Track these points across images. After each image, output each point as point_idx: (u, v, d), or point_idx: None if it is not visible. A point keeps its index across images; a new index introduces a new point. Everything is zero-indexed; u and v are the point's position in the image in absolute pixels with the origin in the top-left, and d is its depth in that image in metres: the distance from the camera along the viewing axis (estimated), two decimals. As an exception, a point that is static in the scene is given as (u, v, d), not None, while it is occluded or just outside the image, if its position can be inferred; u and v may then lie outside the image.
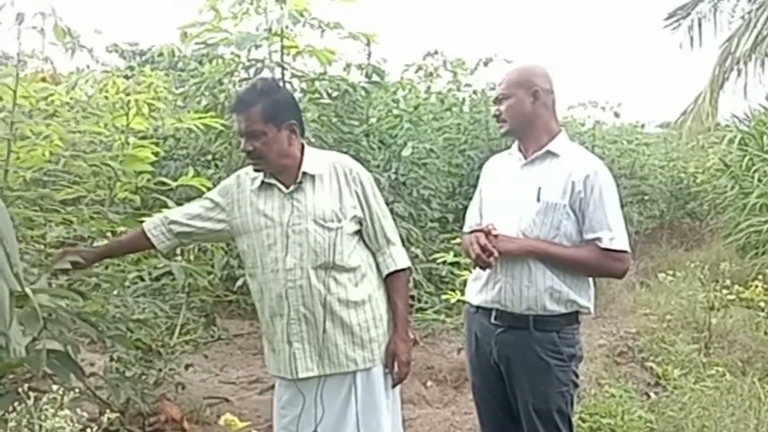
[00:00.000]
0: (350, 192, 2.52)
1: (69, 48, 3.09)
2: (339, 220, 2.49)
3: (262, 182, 2.53)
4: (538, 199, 2.59)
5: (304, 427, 2.54)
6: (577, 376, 2.69)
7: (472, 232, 2.61)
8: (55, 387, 1.80)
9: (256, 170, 2.52)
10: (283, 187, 2.51)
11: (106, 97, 3.10)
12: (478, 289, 2.74)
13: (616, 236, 2.57)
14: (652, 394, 4.69)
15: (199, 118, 3.51)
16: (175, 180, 3.36)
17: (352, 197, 2.52)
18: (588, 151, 2.82)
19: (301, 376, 2.50)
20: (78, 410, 1.88)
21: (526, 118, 2.67)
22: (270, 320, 2.53)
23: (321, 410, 2.53)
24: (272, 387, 4.93)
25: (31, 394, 1.78)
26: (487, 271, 2.63)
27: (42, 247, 2.77)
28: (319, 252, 2.46)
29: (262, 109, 2.43)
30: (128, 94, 3.05)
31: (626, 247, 2.59)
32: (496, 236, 2.52)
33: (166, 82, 4.03)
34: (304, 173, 2.51)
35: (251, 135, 2.44)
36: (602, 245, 2.56)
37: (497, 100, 2.74)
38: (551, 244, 2.57)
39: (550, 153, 2.65)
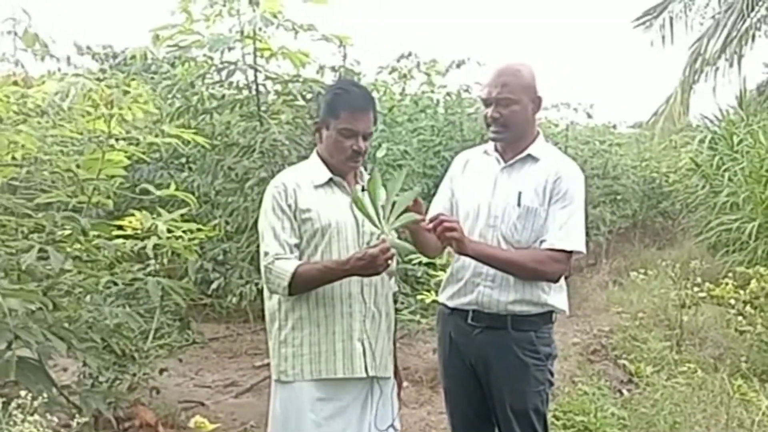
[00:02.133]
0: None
1: (39, 54, 3.06)
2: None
3: (329, 179, 2.50)
4: (519, 204, 2.58)
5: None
6: (552, 374, 2.72)
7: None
8: (23, 393, 1.78)
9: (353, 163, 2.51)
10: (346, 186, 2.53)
11: (91, 107, 3.05)
12: (453, 292, 2.71)
13: (567, 238, 2.55)
14: (624, 391, 4.74)
15: (179, 131, 3.47)
16: (153, 184, 3.33)
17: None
18: (561, 153, 2.83)
19: (370, 373, 2.46)
20: (48, 415, 1.86)
21: (525, 125, 2.65)
22: (326, 318, 2.45)
23: (375, 408, 2.51)
24: (248, 390, 4.94)
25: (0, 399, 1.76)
26: (465, 274, 2.63)
27: (12, 251, 2.73)
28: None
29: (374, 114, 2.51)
30: (112, 103, 3.00)
31: (573, 247, 2.56)
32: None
33: (151, 96, 3.99)
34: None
35: (367, 137, 2.49)
36: (546, 245, 2.55)
37: (497, 102, 2.60)
38: (489, 246, 2.58)
39: (530, 157, 2.65)
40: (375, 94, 7.04)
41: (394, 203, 2.33)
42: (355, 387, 2.48)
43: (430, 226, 2.42)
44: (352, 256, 2.31)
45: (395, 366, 2.68)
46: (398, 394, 2.70)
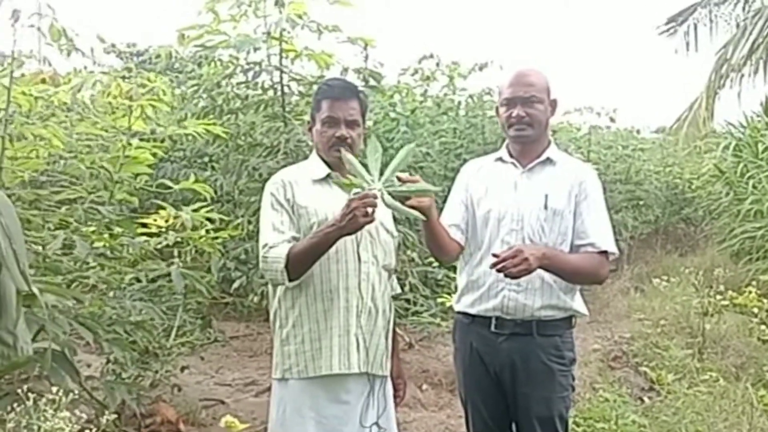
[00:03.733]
0: None
1: (65, 49, 3.09)
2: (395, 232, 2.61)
3: (327, 175, 2.52)
4: (546, 207, 2.59)
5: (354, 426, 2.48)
6: (574, 379, 2.72)
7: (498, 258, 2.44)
8: (54, 389, 1.81)
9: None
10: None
11: (110, 102, 3.09)
12: (474, 298, 2.69)
13: (608, 241, 2.63)
14: (645, 399, 4.71)
15: (201, 124, 3.51)
16: (175, 182, 3.36)
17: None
18: (573, 157, 2.87)
19: (363, 369, 2.45)
20: (76, 412, 1.88)
21: (545, 126, 2.69)
22: (324, 313, 2.45)
23: (376, 407, 2.50)
24: (268, 389, 4.96)
25: (30, 395, 1.78)
26: (487, 279, 2.62)
27: (40, 248, 2.76)
28: (387, 252, 2.55)
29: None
30: (131, 98, 3.05)
31: (614, 249, 2.64)
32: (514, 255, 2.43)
33: (168, 87, 4.03)
34: None
35: (351, 125, 2.51)
36: (597, 249, 2.59)
37: (524, 102, 2.61)
38: (560, 253, 2.58)
39: (549, 160, 2.67)
40: (397, 97, 7.10)
41: (384, 166, 2.26)
42: (354, 384, 2.47)
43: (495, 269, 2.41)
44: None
45: (398, 367, 2.70)
46: (396, 395, 2.69)
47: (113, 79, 3.08)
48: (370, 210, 2.21)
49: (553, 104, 2.69)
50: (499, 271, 2.39)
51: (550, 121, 2.72)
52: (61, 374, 2.43)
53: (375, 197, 2.20)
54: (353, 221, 2.22)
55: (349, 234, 2.29)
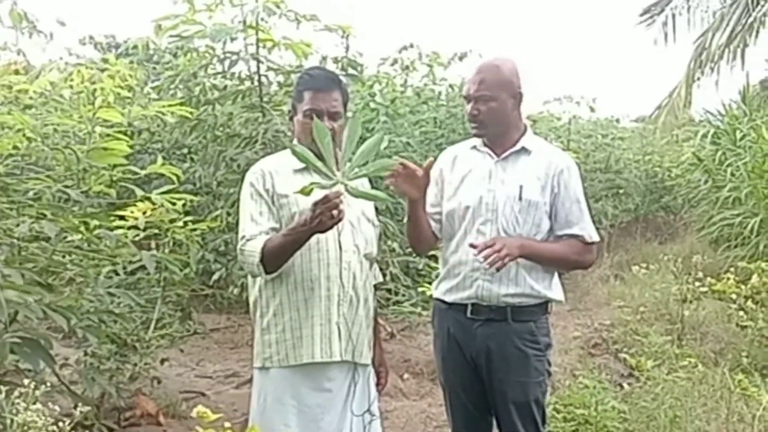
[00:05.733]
0: None
1: (27, 32, 3.04)
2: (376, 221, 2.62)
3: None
4: (520, 198, 2.59)
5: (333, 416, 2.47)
6: (550, 365, 2.73)
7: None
8: (26, 381, 1.78)
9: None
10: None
11: (71, 86, 3.05)
12: (450, 286, 2.70)
13: (592, 230, 2.67)
14: (625, 385, 4.74)
15: (168, 105, 3.47)
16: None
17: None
18: (551, 145, 2.86)
19: (346, 357, 2.46)
20: (51, 404, 1.86)
21: (505, 121, 2.64)
22: (305, 302, 2.44)
23: (359, 395, 2.51)
24: (249, 381, 4.94)
25: (3, 387, 1.76)
26: (462, 269, 2.63)
27: (14, 240, 2.73)
28: (369, 241, 2.55)
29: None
30: (94, 83, 3.00)
31: (596, 236, 2.70)
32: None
33: (132, 71, 3.98)
34: None
35: (333, 116, 2.48)
36: (586, 240, 2.64)
37: (475, 99, 2.62)
38: (538, 242, 2.61)
39: (524, 149, 2.66)
40: (377, 86, 7.09)
41: (353, 153, 2.22)
42: (337, 372, 2.47)
43: (481, 256, 2.44)
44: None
45: (380, 356, 2.71)
46: (379, 383, 2.69)
47: (82, 67, 3.04)
48: (335, 212, 2.20)
49: (518, 96, 2.64)
50: (486, 259, 2.42)
51: (518, 112, 2.68)
52: (37, 361, 2.40)
53: (339, 195, 2.18)
54: (321, 223, 2.22)
55: (322, 233, 2.29)
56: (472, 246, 2.48)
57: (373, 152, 2.27)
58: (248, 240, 2.40)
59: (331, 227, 2.25)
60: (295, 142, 2.58)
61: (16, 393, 1.76)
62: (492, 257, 2.41)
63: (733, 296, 5.59)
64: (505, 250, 2.42)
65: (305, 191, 2.17)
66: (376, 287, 2.66)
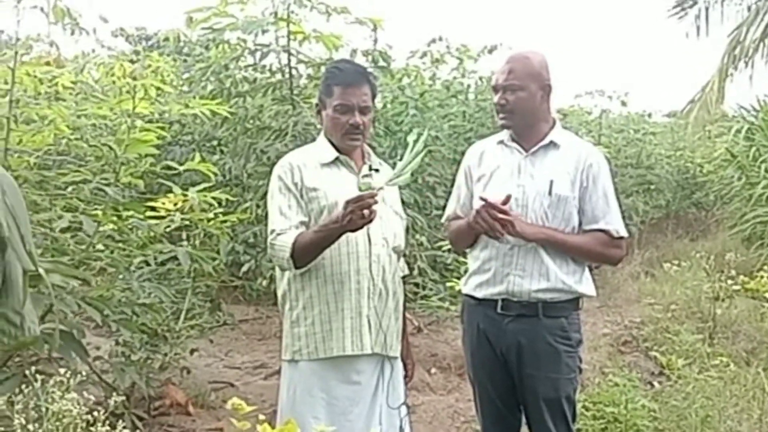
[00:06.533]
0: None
1: (69, 29, 3.08)
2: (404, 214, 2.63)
3: (336, 158, 2.52)
4: (550, 193, 2.57)
5: (362, 411, 2.48)
6: (581, 361, 2.71)
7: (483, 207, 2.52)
8: (62, 371, 1.81)
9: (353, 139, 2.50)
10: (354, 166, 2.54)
11: (113, 82, 3.09)
12: (480, 282, 2.68)
13: (619, 224, 2.63)
14: (655, 384, 4.69)
15: (205, 104, 3.50)
16: (181, 165, 3.35)
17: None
18: (580, 138, 2.83)
19: (377, 350, 2.46)
20: (84, 393, 1.88)
21: (534, 112, 2.62)
22: (335, 295, 2.45)
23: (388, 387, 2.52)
24: (277, 372, 4.97)
25: (38, 377, 1.78)
26: (493, 265, 2.62)
27: (48, 230, 2.76)
28: (397, 234, 2.55)
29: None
30: (135, 78, 3.03)
31: (624, 231, 2.65)
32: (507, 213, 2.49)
33: (172, 67, 4.01)
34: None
35: (364, 110, 2.50)
36: (613, 235, 2.60)
37: (504, 89, 2.61)
38: (561, 232, 2.58)
39: (553, 144, 2.64)
40: (406, 80, 7.06)
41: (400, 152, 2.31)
42: (366, 365, 2.48)
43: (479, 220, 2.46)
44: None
45: (407, 349, 2.71)
46: (406, 377, 2.69)
47: (118, 60, 3.07)
48: (366, 212, 2.21)
49: (546, 89, 2.63)
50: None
51: (546, 105, 2.66)
52: (70, 353, 2.44)
53: (373, 196, 2.20)
54: (351, 222, 2.23)
55: (352, 231, 2.29)
56: (482, 198, 2.50)
57: (420, 155, 2.32)
58: (278, 234, 2.40)
59: (361, 227, 2.26)
60: (322, 135, 2.58)
61: (51, 382, 1.79)
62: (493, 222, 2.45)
63: (766, 295, 5.51)
64: (509, 224, 2.45)
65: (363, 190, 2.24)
66: (403, 279, 2.66)
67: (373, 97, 2.56)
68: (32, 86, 2.92)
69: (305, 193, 2.46)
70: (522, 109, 2.60)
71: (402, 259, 2.65)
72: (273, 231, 2.43)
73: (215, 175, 3.36)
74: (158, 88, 3.24)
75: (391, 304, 2.52)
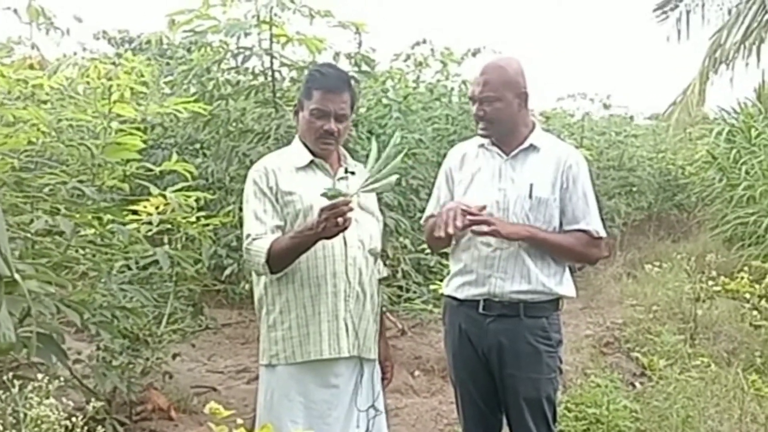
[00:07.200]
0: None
1: (44, 29, 3.05)
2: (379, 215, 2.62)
3: (311, 162, 2.51)
4: (531, 196, 2.59)
5: (341, 414, 2.47)
6: (561, 361, 2.73)
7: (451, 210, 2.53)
8: (40, 375, 1.79)
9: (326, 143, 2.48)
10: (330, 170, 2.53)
11: (88, 82, 3.06)
12: (462, 283, 2.70)
13: (599, 225, 2.65)
14: (637, 384, 4.72)
15: (183, 102, 3.47)
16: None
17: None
18: (559, 139, 2.86)
19: (353, 353, 2.46)
20: (64, 399, 1.86)
21: (512, 119, 2.64)
22: (312, 299, 2.44)
23: (366, 390, 2.52)
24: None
25: (16, 382, 1.77)
26: (474, 267, 2.63)
27: (27, 234, 2.74)
28: (373, 236, 2.54)
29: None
30: (110, 79, 3.01)
31: (603, 232, 2.68)
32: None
33: (148, 67, 3.99)
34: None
35: (340, 118, 2.49)
36: (593, 235, 2.63)
37: (480, 101, 2.63)
38: (543, 231, 2.60)
39: (533, 147, 2.66)
40: (390, 82, 7.06)
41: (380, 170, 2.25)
42: (344, 368, 2.48)
43: (452, 229, 2.45)
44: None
45: (386, 351, 2.71)
46: (384, 378, 2.69)
47: (93, 62, 3.05)
48: (340, 220, 2.19)
49: (523, 96, 2.64)
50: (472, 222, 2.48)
51: (525, 111, 2.67)
52: (50, 356, 2.41)
53: (347, 203, 2.18)
54: (326, 230, 2.22)
55: (327, 239, 2.28)
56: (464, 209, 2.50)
57: (393, 160, 2.27)
58: (254, 239, 2.40)
59: (336, 234, 2.25)
60: (297, 138, 2.58)
61: (29, 387, 1.77)
62: (477, 227, 2.48)
63: (747, 295, 5.55)
64: (493, 226, 2.49)
65: (329, 196, 2.19)
66: (380, 282, 2.66)
67: (353, 105, 2.55)
68: (7, 87, 2.89)
69: (281, 197, 2.45)
70: (500, 119, 2.62)
71: (379, 261, 2.65)
72: (248, 236, 2.42)
73: (195, 178, 3.34)
74: (133, 89, 3.21)
75: (368, 307, 2.52)
